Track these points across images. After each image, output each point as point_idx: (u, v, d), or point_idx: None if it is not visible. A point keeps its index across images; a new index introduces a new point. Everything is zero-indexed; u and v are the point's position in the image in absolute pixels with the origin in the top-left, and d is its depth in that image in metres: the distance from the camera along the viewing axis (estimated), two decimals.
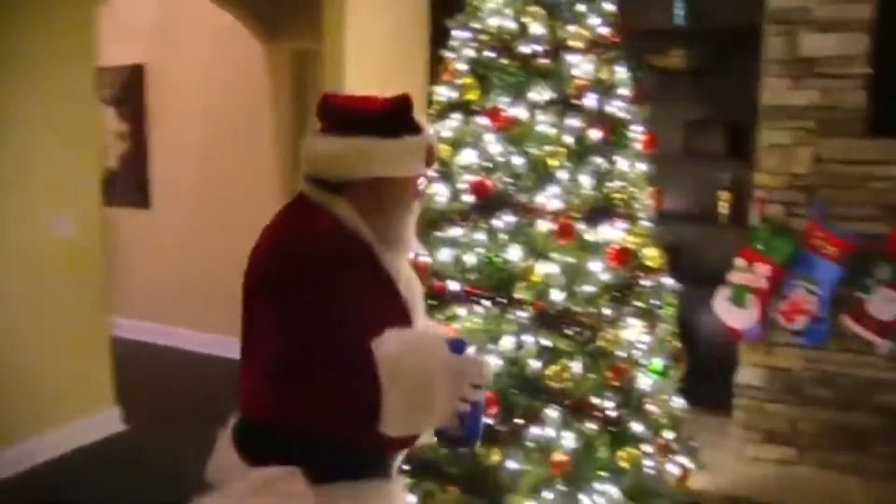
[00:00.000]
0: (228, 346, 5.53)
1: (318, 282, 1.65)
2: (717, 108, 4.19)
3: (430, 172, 1.90)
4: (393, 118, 1.77)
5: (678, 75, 4.28)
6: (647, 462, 3.08)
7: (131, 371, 4.71)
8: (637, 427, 3.03)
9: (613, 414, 2.99)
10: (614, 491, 2.96)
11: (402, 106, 1.77)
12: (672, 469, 3.14)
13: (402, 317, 1.84)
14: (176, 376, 5.33)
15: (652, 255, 3.22)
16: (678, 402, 3.32)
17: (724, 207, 4.17)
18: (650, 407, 3.12)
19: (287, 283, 1.67)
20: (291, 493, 1.75)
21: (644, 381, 3.08)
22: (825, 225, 3.43)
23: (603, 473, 2.97)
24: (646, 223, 3.21)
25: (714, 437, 3.87)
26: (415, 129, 1.78)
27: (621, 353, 3.02)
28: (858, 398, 3.53)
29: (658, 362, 3.13)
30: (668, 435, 3.24)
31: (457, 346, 1.73)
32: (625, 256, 2.96)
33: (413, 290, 1.91)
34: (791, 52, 3.49)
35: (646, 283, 3.14)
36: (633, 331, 3.05)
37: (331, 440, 1.70)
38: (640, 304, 3.10)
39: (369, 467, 1.78)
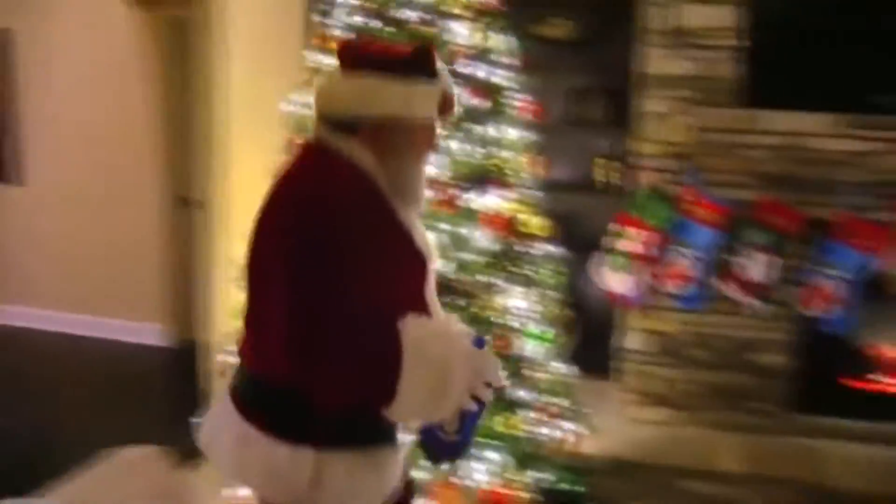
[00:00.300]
0: (97, 326, 5.36)
1: (338, 240, 1.60)
2: (599, 77, 4.24)
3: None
4: (409, 62, 1.75)
5: (560, 44, 4.30)
6: (532, 428, 3.13)
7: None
8: (520, 394, 3.06)
9: None
10: (499, 458, 2.99)
11: (420, 51, 1.77)
12: (558, 434, 3.19)
13: (420, 273, 1.82)
14: (46, 361, 5.09)
15: (535, 222, 3.24)
16: (564, 368, 3.37)
17: (605, 175, 4.24)
18: (534, 373, 3.16)
19: (305, 239, 1.60)
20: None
21: (527, 348, 3.11)
22: (701, 191, 3.52)
23: (487, 441, 2.99)
24: (528, 191, 3.22)
25: (599, 401, 3.95)
26: (432, 75, 1.76)
27: (503, 321, 3.04)
28: (732, 358, 3.67)
29: (540, 329, 3.16)
30: (555, 400, 3.29)
31: (478, 341, 1.69)
32: (506, 224, 2.96)
33: (429, 245, 1.86)
34: (669, 22, 3.55)
35: (529, 250, 3.16)
36: (516, 298, 3.07)
37: (343, 407, 1.65)
38: (522, 271, 3.12)
39: (379, 435, 1.74)
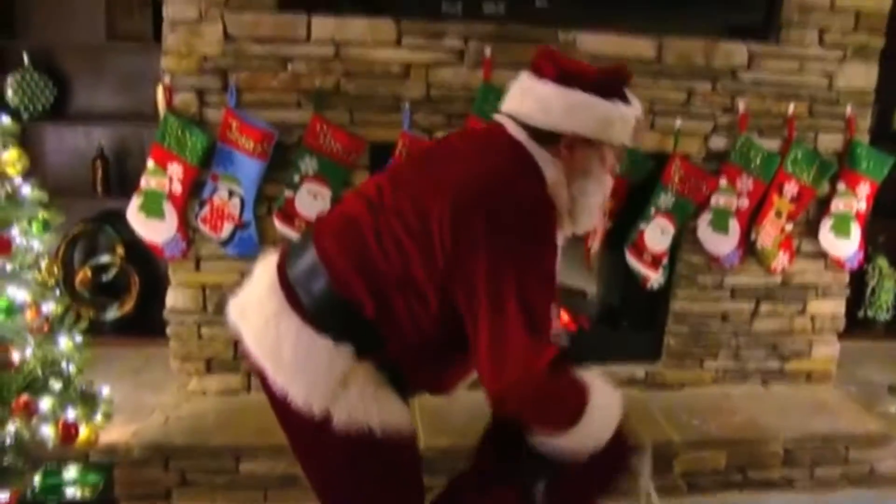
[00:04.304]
0: None
1: (540, 242, 1.70)
2: None
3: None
4: (610, 82, 1.79)
5: None
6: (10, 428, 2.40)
7: None
8: None
9: None
10: None
11: (620, 73, 1.82)
12: (48, 431, 2.49)
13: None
14: None
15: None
16: (64, 343, 2.65)
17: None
18: (15, 356, 2.43)
19: (511, 224, 1.66)
20: None
21: None
22: (240, 114, 2.93)
23: None
24: None
25: (161, 374, 3.32)
26: (626, 99, 1.81)
27: None
28: None
29: (7, 297, 2.41)
30: (56, 386, 2.58)
31: None
32: None
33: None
34: None
35: None
36: None
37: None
38: None
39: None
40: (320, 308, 1.77)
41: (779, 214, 3.34)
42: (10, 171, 2.49)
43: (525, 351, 1.66)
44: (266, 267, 1.91)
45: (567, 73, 1.76)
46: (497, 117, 1.86)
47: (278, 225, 3.02)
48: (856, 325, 4.04)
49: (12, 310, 2.35)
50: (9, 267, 2.44)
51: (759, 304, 3.49)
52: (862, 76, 3.31)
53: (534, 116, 1.76)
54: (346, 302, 1.76)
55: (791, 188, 3.31)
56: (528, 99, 1.78)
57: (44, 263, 2.60)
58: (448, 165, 1.79)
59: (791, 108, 3.27)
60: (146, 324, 3.67)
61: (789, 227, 3.35)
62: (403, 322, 1.76)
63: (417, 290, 1.74)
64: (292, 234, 3.01)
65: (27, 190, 2.51)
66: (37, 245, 2.58)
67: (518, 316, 1.64)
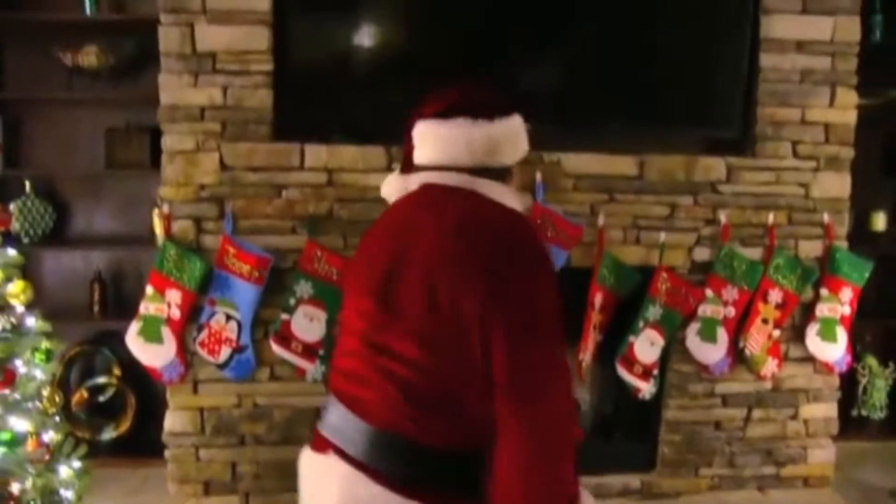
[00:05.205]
0: None
1: (546, 272, 1.59)
2: (140, 112, 3.61)
3: None
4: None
5: (94, 75, 3.66)
6: None
7: None
8: None
9: None
10: None
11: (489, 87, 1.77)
12: None
13: None
14: None
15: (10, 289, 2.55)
16: (63, 471, 2.66)
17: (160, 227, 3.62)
18: (15, 487, 2.44)
19: (520, 265, 1.54)
20: None
21: None
22: (237, 241, 3.02)
23: None
24: None
25: (158, 497, 3.31)
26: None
27: None
28: (297, 430, 3.17)
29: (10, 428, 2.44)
30: None
31: None
32: None
33: None
34: (189, 45, 3.03)
35: None
36: None
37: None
38: None
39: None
40: (420, 473, 1.58)
41: (765, 321, 3.41)
42: (15, 302, 2.55)
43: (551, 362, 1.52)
44: (322, 467, 1.64)
45: (487, 106, 1.68)
46: (433, 176, 1.68)
47: (275, 348, 3.07)
48: (850, 424, 4.06)
49: (15, 441, 2.38)
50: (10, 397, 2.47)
51: (752, 410, 3.52)
52: (836, 185, 3.44)
53: (490, 160, 1.66)
54: (435, 447, 1.57)
55: (776, 295, 3.39)
56: (486, 144, 1.66)
57: (45, 392, 2.63)
58: (418, 244, 1.57)
59: (771, 217, 3.38)
60: (142, 444, 3.66)
61: (776, 333, 3.42)
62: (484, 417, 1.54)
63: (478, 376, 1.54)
64: (289, 356, 3.06)
65: (31, 320, 2.56)
66: (39, 374, 2.62)
67: (534, 335, 1.50)
